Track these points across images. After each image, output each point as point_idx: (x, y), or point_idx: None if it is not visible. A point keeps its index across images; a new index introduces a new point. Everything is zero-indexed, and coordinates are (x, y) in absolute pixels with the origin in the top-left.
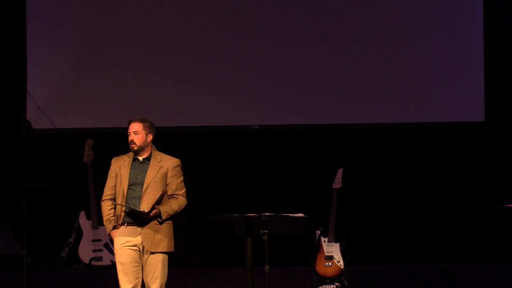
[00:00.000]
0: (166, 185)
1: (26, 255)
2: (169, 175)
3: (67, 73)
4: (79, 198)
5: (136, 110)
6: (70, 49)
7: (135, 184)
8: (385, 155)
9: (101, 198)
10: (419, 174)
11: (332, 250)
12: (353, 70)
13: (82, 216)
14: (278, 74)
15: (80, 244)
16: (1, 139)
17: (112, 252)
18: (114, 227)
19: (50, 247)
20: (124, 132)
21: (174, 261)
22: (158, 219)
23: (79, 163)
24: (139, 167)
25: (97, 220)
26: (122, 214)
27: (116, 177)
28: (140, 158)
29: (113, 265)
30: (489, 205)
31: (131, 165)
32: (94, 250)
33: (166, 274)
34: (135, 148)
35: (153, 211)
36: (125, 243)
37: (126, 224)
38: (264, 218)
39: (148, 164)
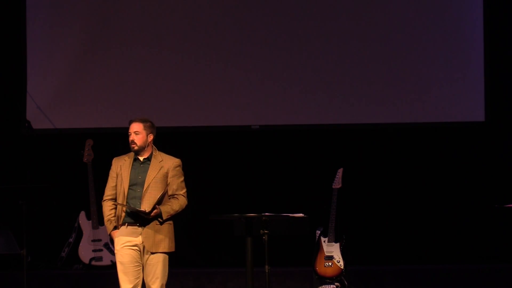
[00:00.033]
0: (167, 185)
1: (26, 255)
2: (169, 175)
3: (67, 73)
4: (79, 198)
5: (136, 110)
6: (70, 49)
7: (136, 184)
8: (385, 155)
9: (101, 198)
10: (419, 174)
11: (332, 250)
12: (353, 70)
13: (82, 216)
14: (278, 74)
15: (80, 244)
16: (1, 139)
17: (112, 252)
18: (115, 227)
19: (50, 247)
20: (124, 132)
21: (174, 261)
22: (159, 219)
23: (79, 163)
24: (140, 167)
25: (97, 220)
26: (123, 214)
27: (117, 177)
28: (141, 158)
29: (113, 265)
30: (489, 205)
31: (132, 165)
32: (94, 250)
33: (166, 274)
34: (136, 148)
35: (154, 211)
36: (126, 243)
37: (126, 224)
38: (264, 218)
39: (149, 164)
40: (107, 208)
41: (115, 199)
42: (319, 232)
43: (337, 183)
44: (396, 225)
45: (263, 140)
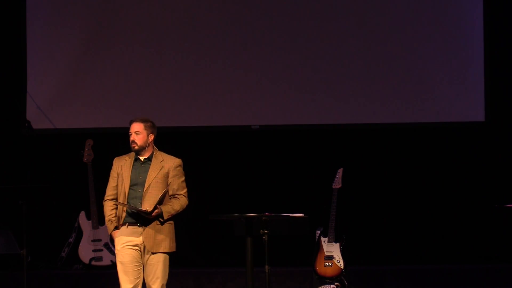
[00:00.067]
0: (168, 185)
1: (26, 255)
2: (170, 175)
3: (67, 73)
4: (79, 198)
5: (136, 110)
6: (70, 49)
7: (137, 184)
8: (385, 155)
9: (101, 198)
10: (419, 174)
11: (332, 250)
12: (353, 70)
13: (82, 216)
14: (278, 74)
15: (80, 244)
16: (1, 139)
17: (112, 252)
18: (116, 228)
19: (50, 247)
20: (124, 132)
21: (175, 261)
22: (160, 219)
23: (79, 163)
24: (141, 167)
25: (97, 220)
26: (124, 214)
27: (118, 177)
28: (142, 158)
29: (113, 265)
30: (489, 205)
31: (133, 165)
32: (94, 250)
33: (167, 274)
34: (136, 148)
35: (155, 211)
36: (126, 242)
37: (127, 224)
38: (264, 218)
39: (150, 164)
40: (108, 208)
41: (116, 199)
42: (319, 232)
43: (337, 183)
44: (396, 225)
45: (263, 140)
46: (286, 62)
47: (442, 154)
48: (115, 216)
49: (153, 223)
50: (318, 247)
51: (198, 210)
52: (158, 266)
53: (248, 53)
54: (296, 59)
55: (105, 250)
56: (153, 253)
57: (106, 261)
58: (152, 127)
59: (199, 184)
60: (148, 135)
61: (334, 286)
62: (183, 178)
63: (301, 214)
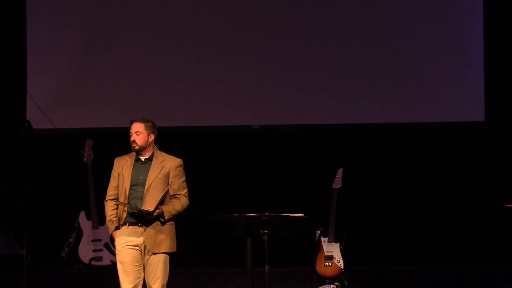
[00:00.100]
0: (168, 185)
1: (26, 255)
2: (171, 175)
3: (67, 73)
4: (79, 198)
5: (136, 110)
6: (70, 49)
7: (137, 185)
8: (385, 155)
9: (101, 198)
10: (419, 174)
11: (332, 250)
12: (353, 70)
13: (82, 216)
14: (278, 74)
15: (80, 244)
16: (1, 139)
17: (112, 252)
18: (117, 228)
19: (50, 247)
20: (124, 132)
21: (175, 261)
22: (161, 219)
23: (79, 163)
24: (141, 167)
25: (97, 220)
26: (124, 214)
27: (119, 177)
28: (142, 158)
29: (113, 265)
30: (489, 205)
31: (133, 165)
32: (94, 250)
33: (167, 274)
34: (137, 148)
35: (156, 211)
36: (127, 242)
37: (128, 224)
38: (264, 218)
39: (150, 164)
40: (109, 209)
41: (117, 199)
42: (319, 232)
43: (337, 183)
44: (396, 225)
45: (263, 140)
46: (286, 62)
47: (442, 154)
48: (116, 216)
49: (154, 223)
50: (318, 247)
51: (198, 210)
52: (158, 266)
53: (248, 53)
54: (296, 59)
55: (105, 250)
56: (153, 253)
57: (106, 261)
58: (152, 127)
59: (199, 184)
60: (148, 135)
61: (334, 286)
62: (183, 178)
63: (301, 214)
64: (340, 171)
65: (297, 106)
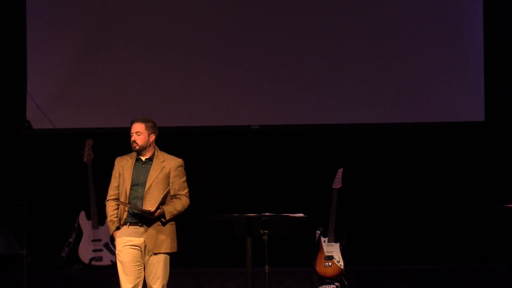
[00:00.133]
0: (169, 185)
1: (26, 255)
2: (171, 175)
3: (67, 73)
4: (79, 198)
5: (136, 110)
6: (70, 49)
7: (138, 185)
8: (385, 155)
9: (101, 198)
10: (419, 174)
11: (332, 250)
12: (353, 70)
13: (82, 216)
14: (278, 74)
15: (80, 244)
16: (1, 139)
17: (112, 252)
18: (118, 228)
19: (50, 247)
20: (124, 132)
21: (175, 261)
22: (162, 219)
23: (79, 163)
24: (142, 168)
25: (97, 220)
26: (125, 214)
27: (120, 177)
28: (143, 158)
29: (113, 265)
30: (489, 205)
31: (134, 165)
32: (94, 250)
33: (167, 274)
34: (137, 148)
35: (158, 211)
36: (127, 242)
37: (128, 224)
38: (264, 218)
39: (151, 164)
40: (110, 209)
41: (118, 199)
42: (319, 232)
43: (337, 183)
44: (396, 225)
45: (263, 140)
46: (286, 62)
47: (442, 154)
48: (117, 216)
49: (154, 224)
50: (318, 247)
51: (198, 210)
52: (159, 266)
53: (248, 53)
54: (296, 59)
55: (105, 250)
56: (154, 254)
57: (106, 261)
58: (153, 127)
59: (199, 184)
60: (149, 135)
61: (334, 286)
62: (184, 178)
63: (301, 214)
64: (340, 171)
65: (297, 106)
